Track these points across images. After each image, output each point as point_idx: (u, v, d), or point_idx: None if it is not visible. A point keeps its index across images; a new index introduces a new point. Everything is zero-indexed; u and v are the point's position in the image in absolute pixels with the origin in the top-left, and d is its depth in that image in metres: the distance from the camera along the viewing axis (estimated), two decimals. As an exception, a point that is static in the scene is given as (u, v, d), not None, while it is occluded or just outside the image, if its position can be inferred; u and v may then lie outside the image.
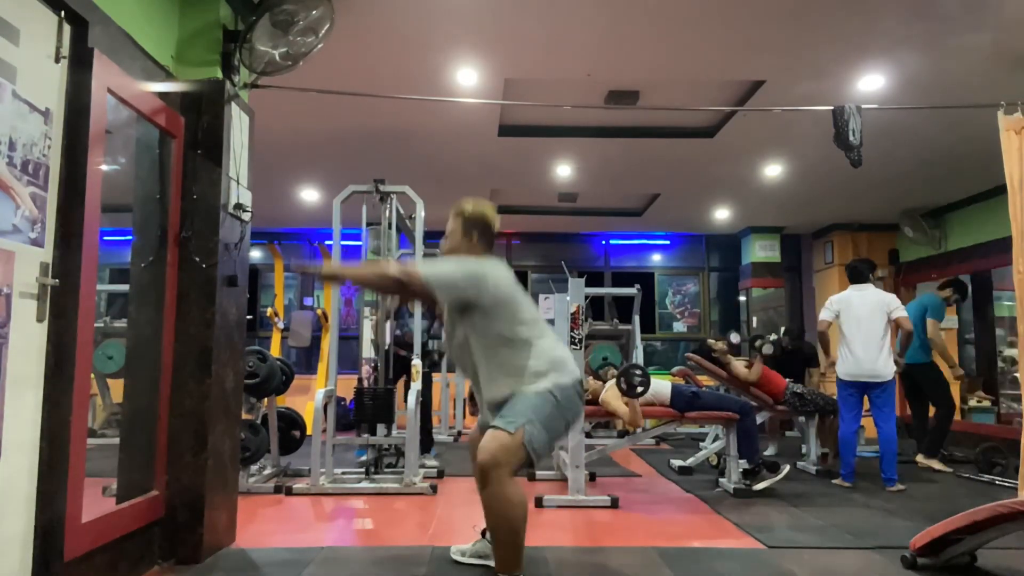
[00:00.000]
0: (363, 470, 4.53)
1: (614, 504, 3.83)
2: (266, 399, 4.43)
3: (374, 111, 4.70)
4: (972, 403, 7.03)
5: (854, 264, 4.84)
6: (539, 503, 3.84)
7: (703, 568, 2.77)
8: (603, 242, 9.15)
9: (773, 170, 6.09)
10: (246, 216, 3.09)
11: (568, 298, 4.08)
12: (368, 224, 4.80)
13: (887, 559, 2.86)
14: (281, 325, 7.42)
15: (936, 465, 5.14)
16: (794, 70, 4.13)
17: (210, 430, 2.77)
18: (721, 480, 4.39)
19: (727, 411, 4.24)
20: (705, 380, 6.61)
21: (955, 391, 7.25)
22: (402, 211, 4.88)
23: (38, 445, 2.08)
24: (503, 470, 2.20)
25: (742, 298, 9.01)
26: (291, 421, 4.85)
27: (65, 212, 2.18)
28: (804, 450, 5.42)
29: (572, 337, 3.94)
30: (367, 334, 5.18)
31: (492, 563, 2.47)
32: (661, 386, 4.40)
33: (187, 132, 2.86)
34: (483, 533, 2.78)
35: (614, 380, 4.27)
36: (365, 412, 4.40)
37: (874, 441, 4.72)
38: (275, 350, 7.15)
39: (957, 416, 7.17)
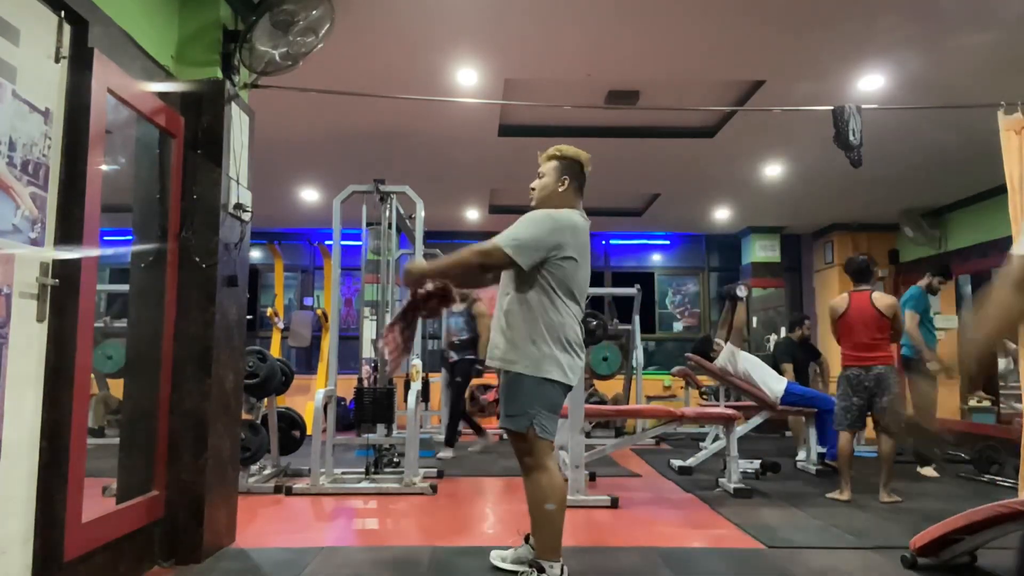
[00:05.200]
0: (363, 470, 4.53)
1: (614, 504, 3.83)
2: (266, 399, 4.42)
3: (374, 111, 4.70)
4: (972, 403, 7.03)
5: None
6: (539, 503, 3.83)
7: (703, 568, 2.77)
8: (603, 242, 9.15)
9: (773, 170, 6.09)
10: (246, 216, 3.09)
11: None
12: (368, 224, 4.80)
13: (887, 559, 2.86)
14: (281, 325, 7.42)
15: (931, 472, 4.99)
16: (794, 70, 4.13)
17: (210, 430, 2.77)
18: (721, 480, 4.39)
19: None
20: (704, 380, 6.62)
21: (952, 391, 7.26)
22: (402, 211, 4.88)
23: (38, 445, 2.08)
24: None
25: (742, 298, 9.00)
26: (291, 421, 4.84)
27: (65, 212, 2.18)
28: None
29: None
30: (367, 334, 5.18)
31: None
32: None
33: (187, 132, 2.85)
34: (526, 538, 2.73)
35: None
36: (365, 412, 4.40)
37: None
38: (275, 350, 7.14)
39: (957, 416, 7.20)
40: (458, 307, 5.52)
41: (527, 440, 2.37)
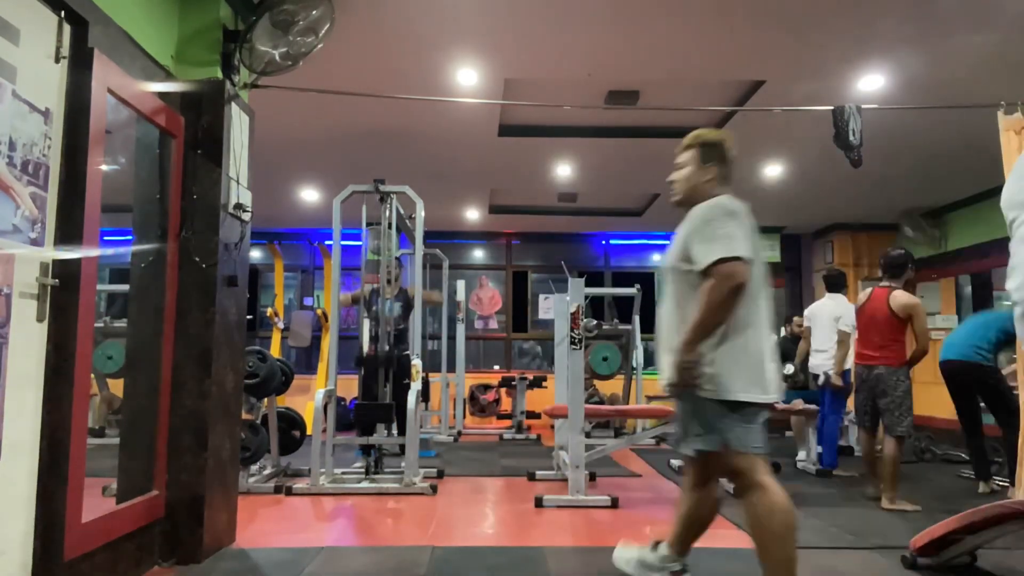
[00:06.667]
0: (363, 470, 4.54)
1: (614, 504, 3.83)
2: (266, 399, 4.43)
3: (374, 111, 4.70)
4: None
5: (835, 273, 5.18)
6: (539, 503, 3.84)
7: (703, 568, 2.77)
8: (603, 242, 9.15)
9: (773, 170, 6.09)
10: (246, 216, 3.09)
11: (568, 298, 4.08)
12: (368, 224, 4.80)
13: (887, 559, 2.86)
14: (281, 325, 7.42)
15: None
16: (794, 70, 4.13)
17: (210, 430, 2.77)
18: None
19: None
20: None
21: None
22: (402, 211, 4.88)
23: (38, 445, 2.08)
24: None
25: (742, 298, 9.00)
26: (291, 421, 4.84)
27: (65, 212, 2.18)
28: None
29: (572, 337, 3.94)
30: (367, 334, 5.18)
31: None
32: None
33: (187, 132, 2.86)
34: (655, 544, 2.51)
35: None
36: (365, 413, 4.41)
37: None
38: (275, 350, 7.15)
39: (956, 416, 7.20)
40: (391, 292, 4.88)
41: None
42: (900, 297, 4.01)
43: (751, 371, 2.07)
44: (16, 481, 2.01)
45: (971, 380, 4.42)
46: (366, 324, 4.73)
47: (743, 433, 2.08)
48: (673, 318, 2.19)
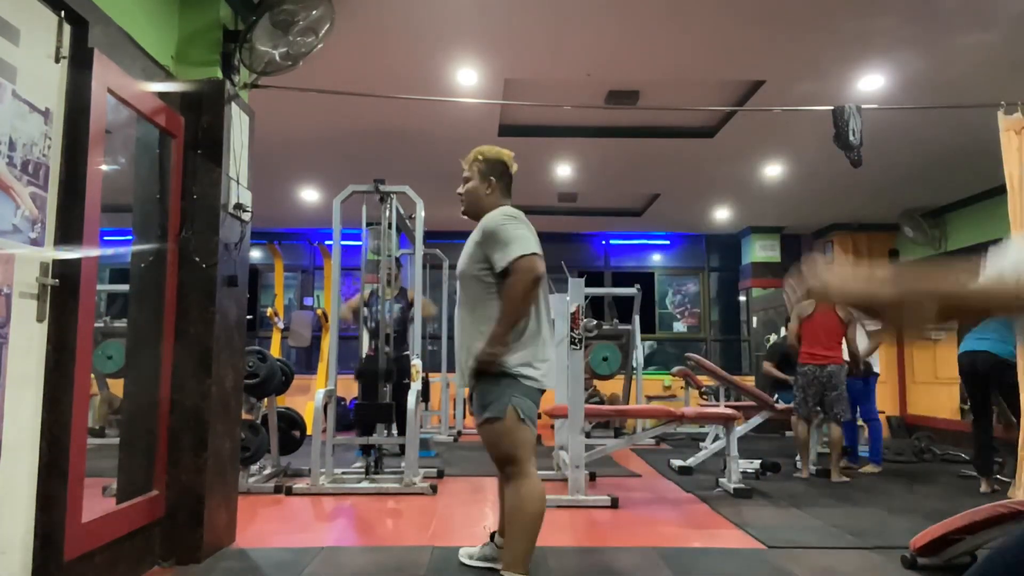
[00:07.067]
0: (363, 470, 4.53)
1: (614, 504, 3.83)
2: (266, 399, 4.43)
3: (374, 111, 4.70)
4: (972, 403, 7.01)
5: None
6: (539, 503, 3.84)
7: (703, 568, 2.77)
8: (603, 242, 9.15)
9: (773, 170, 6.10)
10: (246, 216, 3.09)
11: (568, 298, 4.08)
12: (368, 224, 4.80)
13: (887, 559, 2.86)
14: (281, 325, 7.42)
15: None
16: (794, 70, 4.14)
17: (210, 430, 2.77)
18: (721, 480, 4.39)
19: None
20: (705, 380, 6.63)
21: (952, 391, 7.26)
22: (402, 211, 4.87)
23: (38, 445, 2.08)
24: None
25: (742, 298, 9.01)
26: (291, 421, 4.84)
27: (65, 212, 2.18)
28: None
29: (572, 337, 3.94)
30: (367, 333, 5.18)
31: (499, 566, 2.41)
32: None
33: (187, 132, 2.85)
34: (492, 536, 2.75)
35: None
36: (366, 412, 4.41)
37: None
38: (275, 350, 7.14)
39: (956, 416, 7.21)
40: (390, 293, 4.87)
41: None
42: (840, 308, 4.83)
43: (536, 357, 2.35)
44: (16, 481, 2.01)
45: (989, 373, 4.43)
46: (366, 334, 4.74)
47: (529, 408, 2.32)
48: (470, 318, 2.41)
